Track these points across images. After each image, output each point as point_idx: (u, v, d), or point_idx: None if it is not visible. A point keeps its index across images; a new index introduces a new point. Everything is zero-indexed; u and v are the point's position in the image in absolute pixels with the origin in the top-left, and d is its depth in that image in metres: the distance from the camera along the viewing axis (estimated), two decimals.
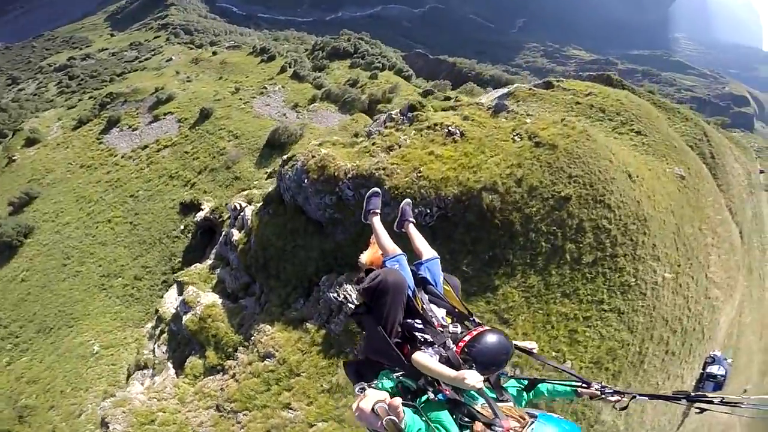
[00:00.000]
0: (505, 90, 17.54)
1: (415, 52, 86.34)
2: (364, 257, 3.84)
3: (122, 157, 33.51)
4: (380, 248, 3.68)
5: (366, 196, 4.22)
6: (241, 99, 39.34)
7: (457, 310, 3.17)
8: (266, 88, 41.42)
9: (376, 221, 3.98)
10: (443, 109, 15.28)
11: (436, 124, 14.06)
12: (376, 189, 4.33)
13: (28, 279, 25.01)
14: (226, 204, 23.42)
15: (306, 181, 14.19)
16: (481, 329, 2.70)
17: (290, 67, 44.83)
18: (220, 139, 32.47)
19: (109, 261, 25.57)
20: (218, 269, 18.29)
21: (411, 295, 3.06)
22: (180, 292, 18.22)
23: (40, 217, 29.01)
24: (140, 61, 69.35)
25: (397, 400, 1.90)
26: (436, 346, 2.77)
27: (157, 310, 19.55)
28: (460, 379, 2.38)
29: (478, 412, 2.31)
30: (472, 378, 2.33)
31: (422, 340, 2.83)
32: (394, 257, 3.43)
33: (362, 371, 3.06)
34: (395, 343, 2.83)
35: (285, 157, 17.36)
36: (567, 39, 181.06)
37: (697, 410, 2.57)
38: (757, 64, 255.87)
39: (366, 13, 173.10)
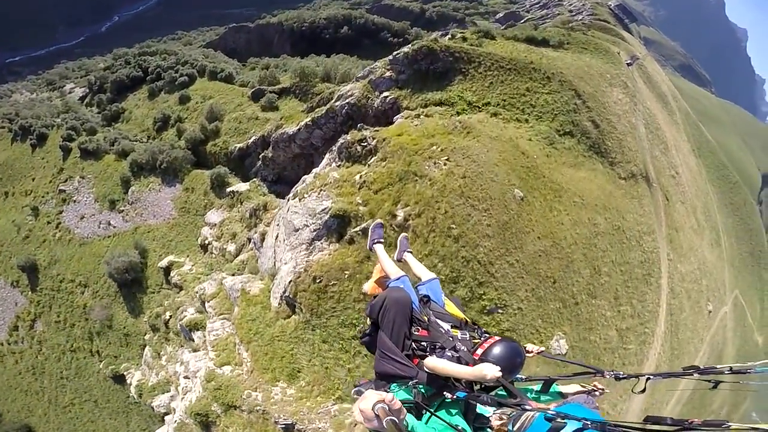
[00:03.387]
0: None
1: (231, 29, 71.58)
2: (367, 286, 4.20)
3: (8, 343, 29.76)
4: (385, 272, 3.97)
5: (371, 228, 4.62)
6: (49, 222, 31.37)
7: (462, 321, 3.35)
8: (65, 191, 31.72)
9: (380, 249, 4.35)
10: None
11: None
12: (380, 221, 4.96)
13: None
14: None
15: None
16: (494, 339, 2.84)
17: (72, 141, 34.00)
18: (71, 295, 28.48)
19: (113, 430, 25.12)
20: None
21: (417, 310, 3.27)
22: None
23: (18, 416, 27.89)
24: None
25: (397, 401, 1.85)
26: (447, 350, 2.90)
27: None
28: (478, 373, 2.52)
29: (502, 398, 2.43)
30: (490, 370, 2.46)
31: (432, 347, 2.97)
32: (398, 278, 3.69)
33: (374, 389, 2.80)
34: (405, 356, 2.97)
35: None
36: None
37: (712, 384, 2.51)
38: None
39: (152, 2, 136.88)
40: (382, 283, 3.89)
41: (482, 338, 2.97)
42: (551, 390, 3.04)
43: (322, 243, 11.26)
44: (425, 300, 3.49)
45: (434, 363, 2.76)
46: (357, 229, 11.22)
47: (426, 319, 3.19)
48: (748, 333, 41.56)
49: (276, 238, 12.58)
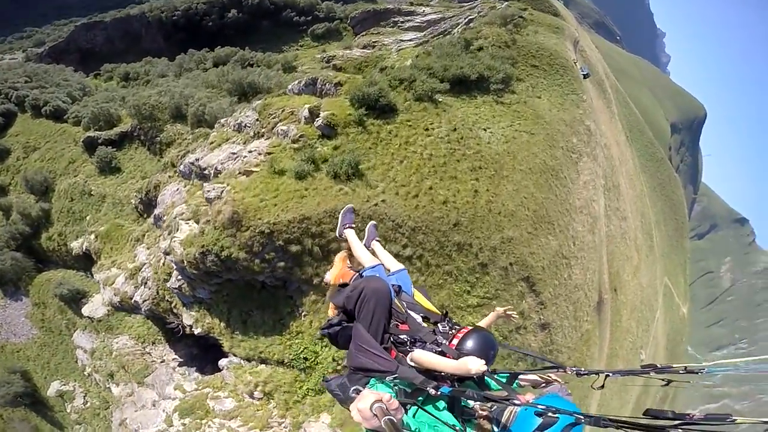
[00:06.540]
0: None
1: (81, 27, 48.35)
2: (330, 275, 3.86)
3: None
4: (358, 259, 3.86)
5: (342, 213, 4.38)
6: None
7: (432, 312, 3.26)
8: None
9: (351, 234, 4.14)
10: None
11: None
12: (351, 205, 4.58)
13: None
14: None
15: None
16: (466, 330, 2.79)
17: None
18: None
19: None
20: None
21: (394, 301, 3.15)
22: None
23: None
24: None
25: (395, 400, 1.86)
26: (428, 343, 2.81)
27: None
28: (462, 367, 2.46)
29: (488, 393, 2.34)
30: (474, 363, 2.42)
31: (412, 340, 2.87)
32: (372, 267, 3.57)
33: (348, 385, 2.88)
34: (384, 349, 2.84)
35: None
36: None
37: (664, 382, 2.59)
38: None
39: None
40: (347, 273, 3.69)
41: (454, 330, 2.91)
42: (517, 383, 2.90)
43: None
44: (397, 290, 3.38)
45: (421, 356, 2.69)
46: None
47: (404, 311, 3.12)
48: (675, 311, 44.68)
49: None
